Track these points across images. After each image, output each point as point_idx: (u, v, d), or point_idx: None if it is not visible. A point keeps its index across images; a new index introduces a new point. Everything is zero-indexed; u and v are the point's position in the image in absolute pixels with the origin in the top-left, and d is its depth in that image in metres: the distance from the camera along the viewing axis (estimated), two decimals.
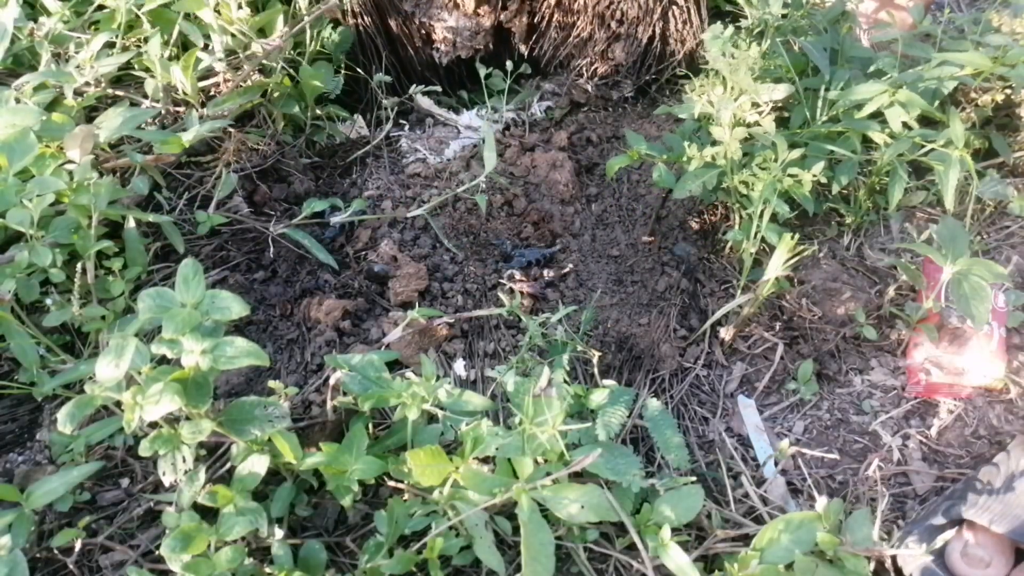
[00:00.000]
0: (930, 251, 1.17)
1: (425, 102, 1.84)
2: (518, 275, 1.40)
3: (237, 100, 1.50)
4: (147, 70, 1.52)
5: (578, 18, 1.73)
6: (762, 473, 1.16)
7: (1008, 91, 1.45)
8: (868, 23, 1.66)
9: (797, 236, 1.19)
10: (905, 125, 1.31)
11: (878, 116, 1.33)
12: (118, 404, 0.93)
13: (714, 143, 1.28)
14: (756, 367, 1.32)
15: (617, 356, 1.31)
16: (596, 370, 1.20)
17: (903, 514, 1.11)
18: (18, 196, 1.13)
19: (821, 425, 1.24)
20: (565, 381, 1.10)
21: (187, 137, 1.34)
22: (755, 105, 1.28)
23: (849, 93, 1.34)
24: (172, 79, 1.46)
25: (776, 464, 1.15)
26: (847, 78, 1.41)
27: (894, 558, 1.00)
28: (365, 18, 1.71)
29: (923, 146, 1.31)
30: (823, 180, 1.27)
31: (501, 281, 1.39)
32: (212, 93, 1.69)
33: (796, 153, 1.24)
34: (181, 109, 1.53)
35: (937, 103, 1.39)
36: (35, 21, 1.47)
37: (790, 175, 1.26)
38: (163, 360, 0.90)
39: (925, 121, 1.44)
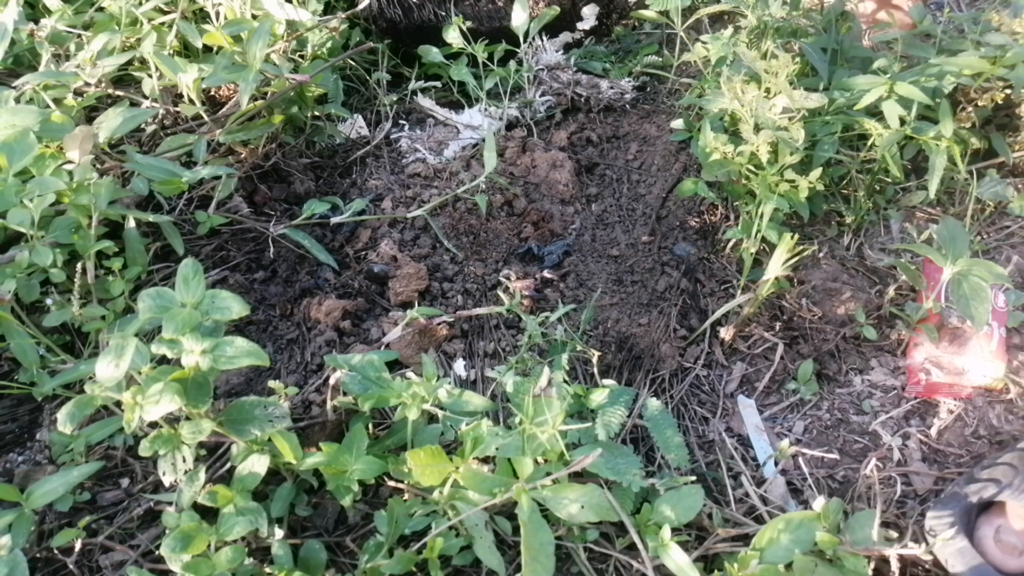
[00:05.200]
0: (930, 251, 1.17)
1: (425, 102, 1.84)
2: (515, 275, 1.40)
3: (246, 135, 1.50)
4: (149, 72, 1.52)
5: None
6: (762, 473, 1.16)
7: (1008, 91, 1.45)
8: (867, 24, 1.66)
9: (797, 236, 1.20)
10: (901, 121, 1.31)
11: (876, 114, 1.34)
12: (118, 404, 0.93)
13: (736, 141, 1.30)
14: (756, 367, 1.32)
15: (617, 356, 1.31)
16: (596, 370, 1.20)
17: (903, 514, 1.11)
18: (18, 196, 1.13)
19: (821, 425, 1.24)
20: (565, 381, 1.09)
21: (188, 177, 1.35)
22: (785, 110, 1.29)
23: (846, 84, 1.35)
24: (178, 83, 1.46)
25: (776, 464, 1.15)
26: (846, 78, 1.41)
27: (921, 544, 0.98)
28: None
29: (913, 138, 1.33)
30: (819, 187, 1.28)
31: (501, 280, 1.39)
32: (213, 95, 1.69)
33: (796, 158, 1.24)
34: (179, 110, 1.53)
35: (941, 101, 1.39)
36: (35, 21, 1.47)
37: (787, 180, 1.27)
38: (163, 360, 0.91)
39: (925, 120, 1.44)
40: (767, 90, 1.31)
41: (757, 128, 1.26)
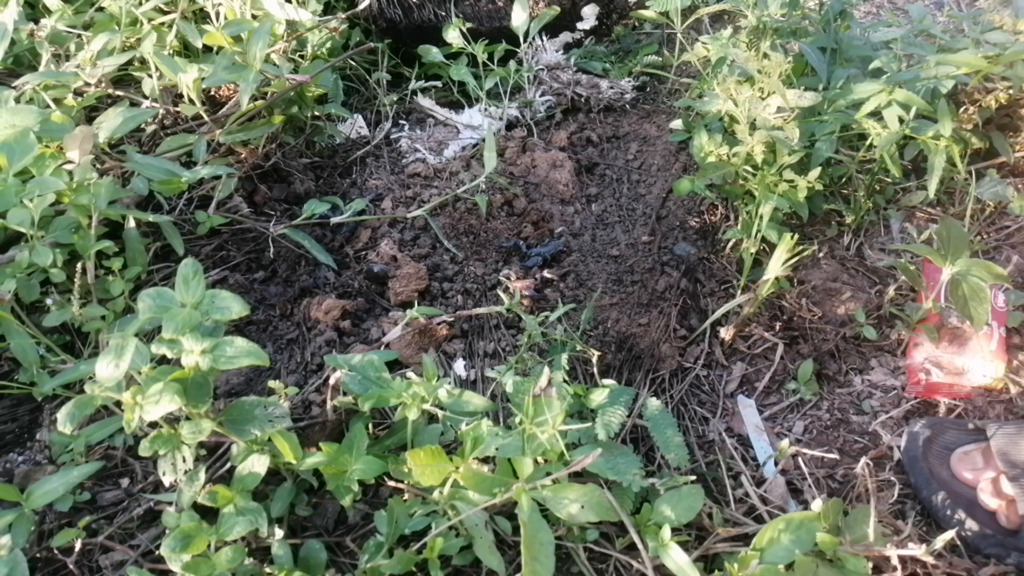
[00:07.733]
0: (929, 252, 1.17)
1: (425, 102, 1.84)
2: (515, 275, 1.40)
3: (246, 135, 1.50)
4: (149, 72, 1.52)
5: None
6: (762, 473, 1.16)
7: (1010, 91, 1.45)
8: None
9: (797, 236, 1.20)
10: (900, 120, 1.32)
11: (874, 113, 1.34)
12: (118, 404, 0.93)
13: (732, 142, 1.30)
14: (756, 367, 1.32)
15: (617, 356, 1.31)
16: (596, 370, 1.20)
17: (903, 514, 1.11)
18: (18, 196, 1.13)
19: (821, 425, 1.24)
20: (565, 381, 1.09)
21: (187, 177, 1.35)
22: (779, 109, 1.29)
23: (847, 92, 1.35)
24: (178, 83, 1.46)
25: (776, 464, 1.15)
26: (846, 77, 1.41)
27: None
28: None
29: (913, 137, 1.33)
30: (818, 187, 1.28)
31: (501, 279, 1.39)
32: (213, 95, 1.69)
33: (794, 158, 1.24)
34: (179, 110, 1.53)
35: (939, 101, 1.39)
36: (35, 21, 1.47)
37: (786, 180, 1.27)
38: (163, 360, 0.90)
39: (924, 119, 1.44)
40: (761, 90, 1.31)
41: (753, 128, 1.26)
